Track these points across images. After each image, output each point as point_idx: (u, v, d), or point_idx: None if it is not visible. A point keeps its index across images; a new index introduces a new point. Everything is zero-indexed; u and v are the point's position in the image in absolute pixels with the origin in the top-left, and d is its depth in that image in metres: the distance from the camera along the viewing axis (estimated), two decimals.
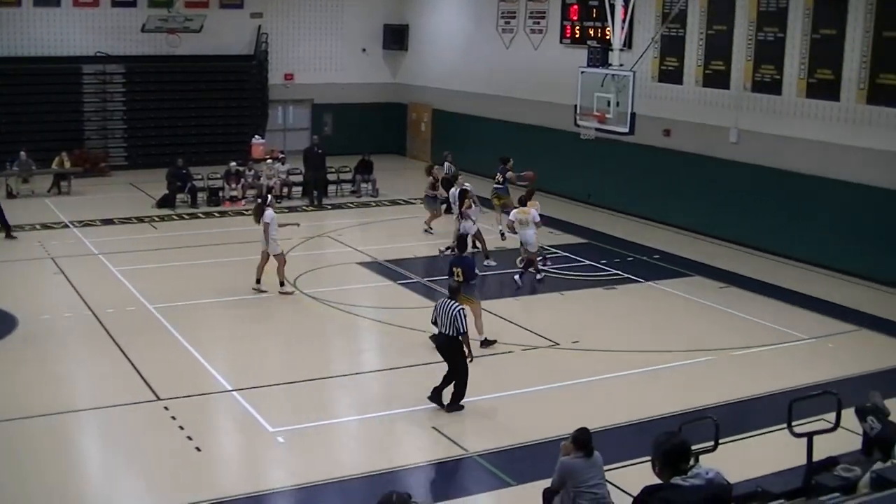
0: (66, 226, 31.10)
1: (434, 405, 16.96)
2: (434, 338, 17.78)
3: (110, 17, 41.72)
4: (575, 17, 35.66)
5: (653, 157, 32.37)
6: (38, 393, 17.72)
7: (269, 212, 23.82)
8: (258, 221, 23.69)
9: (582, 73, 27.15)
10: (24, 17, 40.40)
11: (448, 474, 15.04)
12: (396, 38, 46.39)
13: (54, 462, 14.98)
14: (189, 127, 42.74)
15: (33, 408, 16.95)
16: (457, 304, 16.99)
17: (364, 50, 46.61)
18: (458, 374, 16.90)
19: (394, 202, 35.57)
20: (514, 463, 15.13)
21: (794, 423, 10.76)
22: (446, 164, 33.40)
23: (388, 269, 26.39)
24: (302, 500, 14.25)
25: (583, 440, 11.56)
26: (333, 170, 36.93)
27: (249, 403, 17.25)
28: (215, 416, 17.28)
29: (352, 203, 35.57)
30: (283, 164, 36.72)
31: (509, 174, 30.52)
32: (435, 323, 17.16)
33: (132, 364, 19.03)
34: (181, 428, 16.14)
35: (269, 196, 26.14)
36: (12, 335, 20.78)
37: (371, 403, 17.81)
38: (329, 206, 34.95)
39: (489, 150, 39.75)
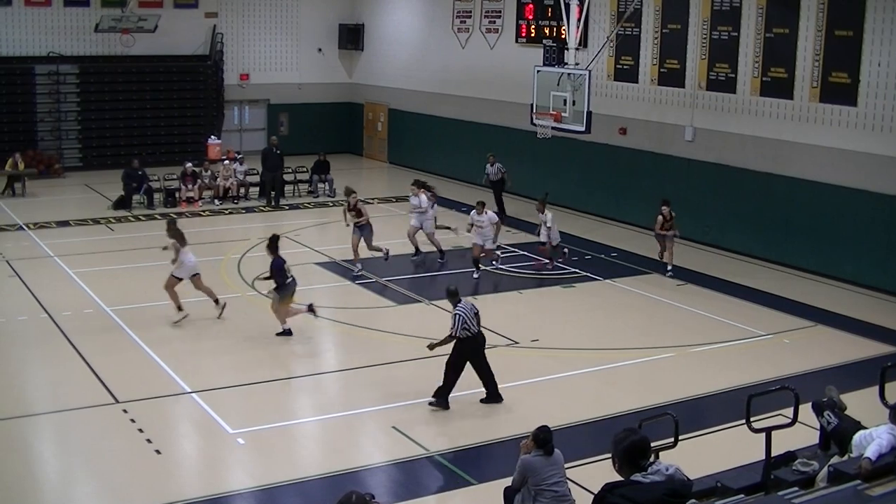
0: (21, 228, 30.84)
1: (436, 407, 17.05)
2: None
3: (63, 17, 41.46)
4: (530, 17, 35.77)
5: (609, 155, 32.55)
6: None
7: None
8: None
9: (538, 72, 27.20)
10: None
11: (409, 474, 15.03)
12: (352, 37, 46.35)
13: (11, 466, 14.89)
14: (144, 127, 42.56)
15: None
16: (460, 304, 17.11)
17: (320, 50, 46.55)
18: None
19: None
20: (475, 461, 15.21)
21: (752, 419, 10.83)
22: (496, 165, 33.55)
23: (346, 269, 26.37)
24: (262, 502, 14.22)
25: (543, 438, 11.63)
26: (290, 170, 36.84)
27: (209, 405, 17.20)
28: (174, 418, 17.22)
29: (309, 203, 35.51)
30: (240, 164, 36.59)
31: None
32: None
33: (90, 367, 18.93)
34: (140, 431, 16.08)
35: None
36: None
37: (330, 404, 17.81)
38: (286, 207, 34.87)
39: (446, 150, 39.92)
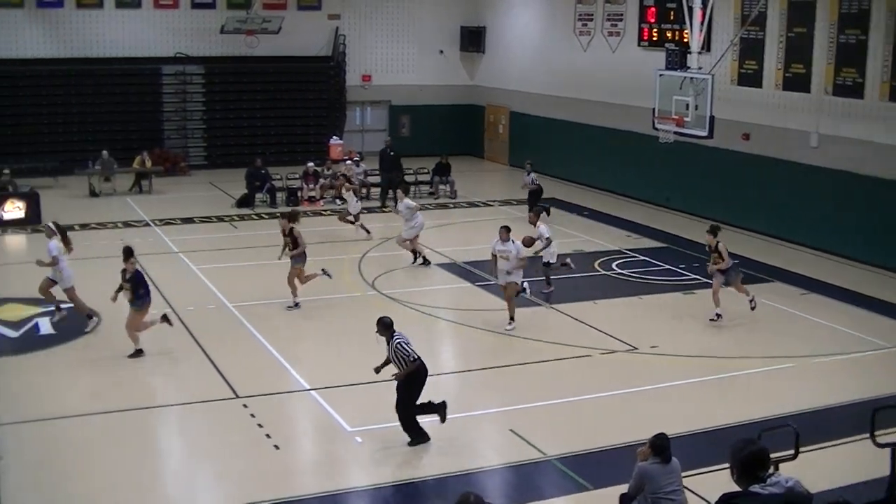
0: (147, 224, 31.54)
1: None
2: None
3: (190, 19, 42.28)
4: (653, 20, 35.45)
5: (732, 161, 32.11)
6: (120, 388, 18.02)
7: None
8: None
9: (660, 75, 26.99)
10: (106, 19, 41.06)
11: (524, 477, 15.01)
12: (473, 40, 46.42)
13: (135, 455, 15.22)
14: (267, 127, 43.20)
15: (115, 403, 17.25)
16: (396, 335, 15.83)
17: (441, 52, 46.73)
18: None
19: (472, 204, 35.63)
20: (591, 467, 15.10)
21: (876, 433, 10.61)
22: (531, 175, 33.16)
23: (466, 271, 26.42)
24: (378, 501, 14.34)
25: (660, 445, 11.52)
26: (411, 171, 37.05)
27: (328, 403, 17.39)
28: (294, 415, 17.46)
29: (430, 205, 35.63)
30: (359, 165, 36.92)
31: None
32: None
33: (211, 361, 19.28)
34: (260, 426, 16.32)
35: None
36: (95, 331, 21.13)
37: (448, 404, 17.82)
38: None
39: (566, 153, 39.77)
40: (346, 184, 30.39)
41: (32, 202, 31.97)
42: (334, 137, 42.58)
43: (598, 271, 26.38)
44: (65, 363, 19.61)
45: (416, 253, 26.93)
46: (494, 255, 21.67)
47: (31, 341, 20.52)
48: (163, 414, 17.29)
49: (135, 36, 41.63)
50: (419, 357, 15.76)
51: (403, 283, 25.44)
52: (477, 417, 17.13)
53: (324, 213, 33.79)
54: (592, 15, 38.92)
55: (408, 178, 36.59)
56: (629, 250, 28.61)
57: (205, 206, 34.56)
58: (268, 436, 15.96)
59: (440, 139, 43.85)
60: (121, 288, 19.58)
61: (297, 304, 22.84)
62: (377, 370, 16.10)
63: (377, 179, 36.42)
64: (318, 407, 17.37)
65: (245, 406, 17.09)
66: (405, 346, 15.64)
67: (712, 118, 25.47)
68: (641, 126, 32.20)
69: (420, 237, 27.01)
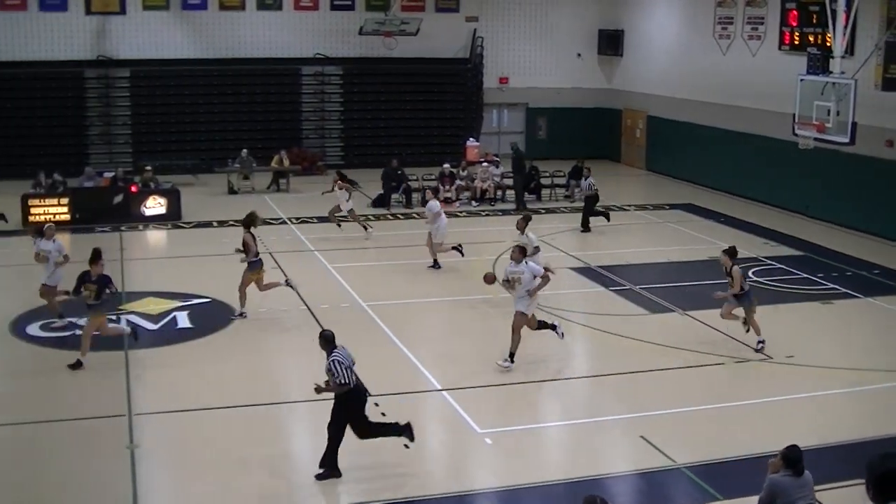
0: (284, 222, 32.04)
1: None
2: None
3: (329, 20, 42.89)
4: (794, 23, 34.79)
5: (875, 168, 31.39)
6: (255, 383, 18.39)
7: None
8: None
9: (801, 80, 26.54)
10: (247, 20, 41.91)
11: (653, 485, 14.89)
12: (611, 43, 46.18)
13: (267, 448, 15.48)
14: (404, 128, 43.62)
15: (249, 397, 17.60)
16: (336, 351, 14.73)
17: (579, 55, 46.59)
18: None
19: (607, 208, 35.41)
20: (721, 477, 14.90)
21: None
22: (589, 180, 32.71)
23: (600, 275, 26.30)
24: (505, 503, 14.35)
25: (793, 458, 11.31)
26: (548, 174, 37.01)
27: (458, 404, 17.45)
28: (424, 414, 17.52)
29: (565, 208, 35.57)
30: (496, 167, 36.99)
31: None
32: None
33: None
34: None
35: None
36: (231, 327, 21.60)
37: (579, 410, 17.80)
38: (543, 211, 34.98)
39: (704, 158, 39.31)
40: (340, 182, 30.36)
41: (173, 199, 32.82)
42: (471, 139, 42.77)
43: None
44: (200, 356, 20.05)
45: (436, 257, 26.71)
46: (508, 280, 19.29)
47: (169, 334, 21.00)
48: (293, 409, 17.51)
49: (275, 37, 42.38)
50: (355, 382, 14.69)
51: None
52: (607, 423, 17.04)
53: (459, 214, 33.90)
54: (732, 18, 38.38)
55: (543, 181, 36.63)
56: (766, 258, 28.16)
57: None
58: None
59: (577, 142, 43.75)
60: (80, 289, 19.12)
61: (242, 314, 22.18)
62: (317, 390, 14.76)
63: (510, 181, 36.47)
64: (449, 407, 17.44)
65: (376, 404, 17.18)
66: (339, 365, 14.44)
67: (854, 124, 24.99)
68: (781, 132, 31.69)
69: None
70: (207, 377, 18.84)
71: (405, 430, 15.11)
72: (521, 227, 23.38)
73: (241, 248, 21.96)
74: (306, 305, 22.88)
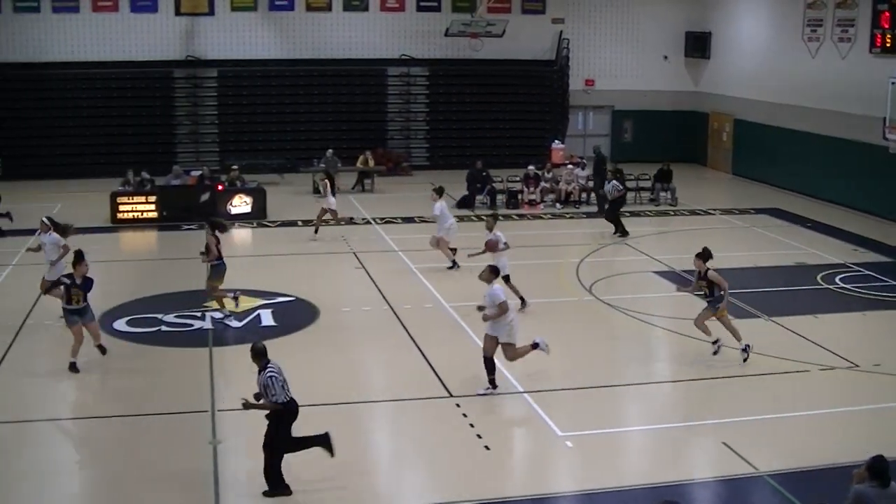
0: (368, 222, 32.14)
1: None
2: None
3: (415, 21, 43.03)
4: (886, 25, 34.08)
5: None
6: (337, 382, 18.43)
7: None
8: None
9: (893, 83, 26.07)
10: (333, 21, 42.17)
11: (735, 492, 14.66)
12: (698, 45, 45.76)
13: (348, 448, 15.41)
14: (489, 129, 43.61)
15: (331, 395, 17.61)
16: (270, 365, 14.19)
17: (666, 57, 46.25)
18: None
19: (692, 212, 35.09)
20: (805, 486, 14.62)
21: None
22: (612, 182, 32.16)
23: (684, 280, 26.03)
24: None
25: (879, 469, 11.06)
26: (633, 177, 36.75)
27: (540, 406, 17.33)
28: (506, 416, 17.46)
29: (650, 211, 35.31)
30: (582, 169, 36.83)
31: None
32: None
33: (427, 360, 19.47)
34: (471, 426, 16.38)
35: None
36: (314, 325, 21.73)
37: (661, 414, 17.61)
38: (627, 214, 34.70)
39: (792, 163, 38.79)
40: (325, 179, 30.33)
41: (259, 197, 33.10)
42: (556, 141, 42.63)
43: (821, 285, 25.61)
44: (283, 354, 20.00)
45: (453, 257, 26.47)
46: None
47: (253, 332, 21.10)
48: (376, 409, 17.53)
49: (361, 38, 42.61)
50: (290, 400, 14.04)
51: (621, 289, 25.19)
52: (690, 428, 16.83)
53: (543, 216, 33.78)
54: (822, 20, 37.76)
55: (629, 185, 36.35)
56: (854, 264, 27.68)
57: (425, 205, 34.81)
58: (479, 436, 16.01)
59: (662, 145, 43.50)
60: (57, 287, 19.14)
61: (229, 316, 22.09)
62: (246, 405, 14.13)
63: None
64: (530, 410, 17.33)
65: (458, 406, 17.19)
66: (275, 381, 13.88)
67: None
68: (871, 136, 31.22)
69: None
70: (289, 375, 18.87)
71: (322, 442, 14.52)
72: (490, 226, 23.35)
73: (204, 251, 21.96)
74: (389, 305, 22.91)
